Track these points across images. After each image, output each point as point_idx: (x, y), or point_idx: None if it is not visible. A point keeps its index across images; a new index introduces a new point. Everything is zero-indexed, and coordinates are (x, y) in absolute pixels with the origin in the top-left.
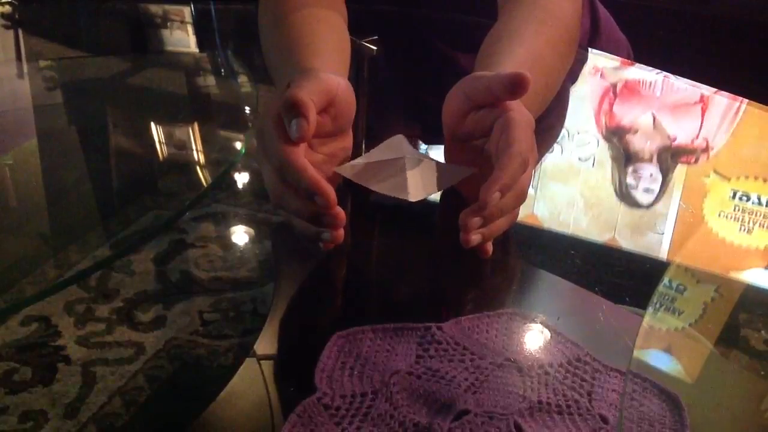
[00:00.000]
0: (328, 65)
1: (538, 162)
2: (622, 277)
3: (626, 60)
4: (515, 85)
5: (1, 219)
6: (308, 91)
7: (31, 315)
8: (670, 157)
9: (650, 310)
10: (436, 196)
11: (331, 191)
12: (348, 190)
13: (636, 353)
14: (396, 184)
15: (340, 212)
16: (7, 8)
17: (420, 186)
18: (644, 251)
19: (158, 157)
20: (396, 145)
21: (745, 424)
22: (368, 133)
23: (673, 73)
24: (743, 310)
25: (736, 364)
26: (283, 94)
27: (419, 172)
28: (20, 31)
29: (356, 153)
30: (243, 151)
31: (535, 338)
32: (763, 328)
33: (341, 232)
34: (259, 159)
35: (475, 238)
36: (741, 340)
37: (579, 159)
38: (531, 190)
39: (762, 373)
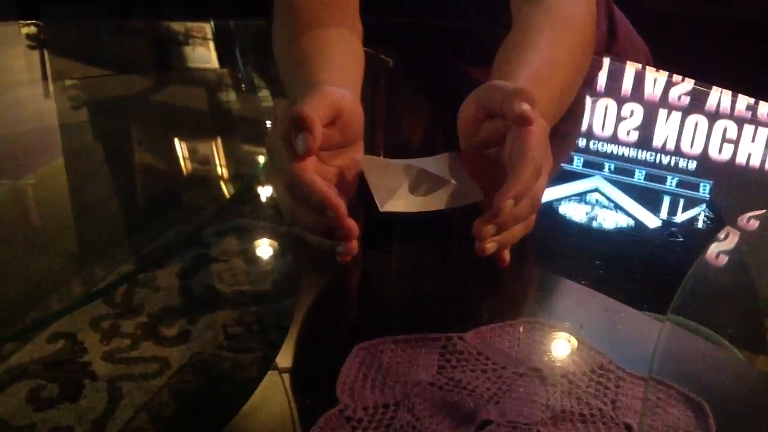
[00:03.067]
0: (337, 79)
1: (556, 169)
2: (643, 283)
3: (645, 65)
4: (521, 121)
5: (29, 237)
6: (313, 105)
7: (58, 332)
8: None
9: (673, 315)
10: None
11: (340, 204)
12: (361, 201)
13: (659, 360)
14: (387, 189)
15: (352, 224)
16: (33, 29)
17: (403, 200)
18: (665, 256)
19: (182, 172)
20: (437, 160)
21: None
22: (384, 144)
23: (693, 77)
24: None
25: (762, 370)
26: (289, 110)
27: (418, 186)
28: (45, 52)
29: None
30: (263, 164)
31: (557, 346)
32: None
33: (354, 244)
34: (271, 176)
35: (489, 246)
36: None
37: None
38: None
39: None
